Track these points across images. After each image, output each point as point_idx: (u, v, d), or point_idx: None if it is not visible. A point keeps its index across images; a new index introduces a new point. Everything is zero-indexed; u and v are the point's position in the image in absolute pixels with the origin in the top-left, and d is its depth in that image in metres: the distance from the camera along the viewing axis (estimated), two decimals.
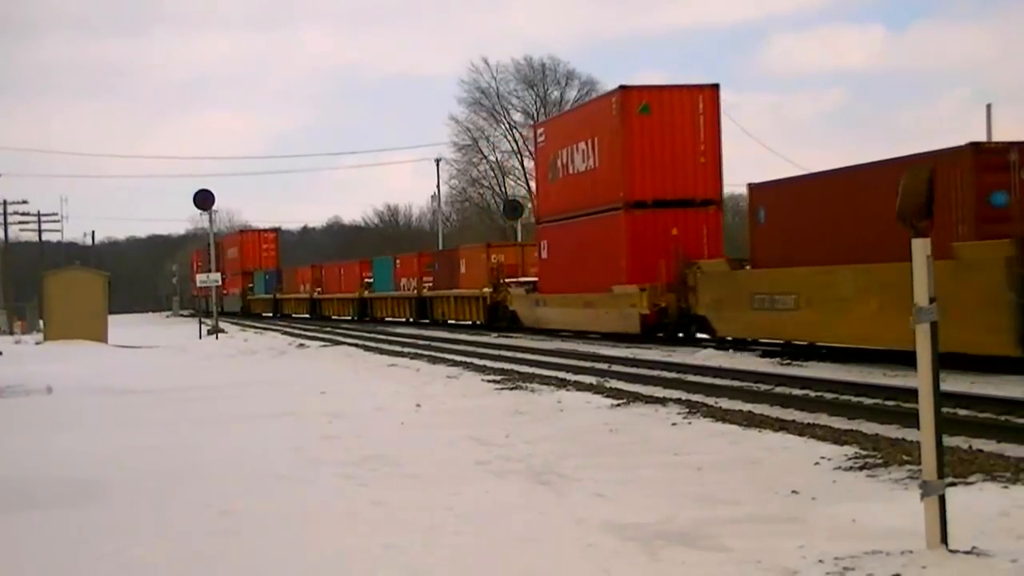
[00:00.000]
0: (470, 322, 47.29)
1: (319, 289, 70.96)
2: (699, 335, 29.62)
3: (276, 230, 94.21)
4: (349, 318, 64.51)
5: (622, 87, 33.35)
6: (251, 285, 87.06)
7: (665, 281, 30.43)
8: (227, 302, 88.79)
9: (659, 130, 32.63)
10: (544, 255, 39.31)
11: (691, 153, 32.79)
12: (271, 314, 79.86)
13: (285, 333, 51.30)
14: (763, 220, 25.72)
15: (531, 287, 40.73)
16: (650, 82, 42.97)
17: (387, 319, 59.48)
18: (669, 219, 32.30)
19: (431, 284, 53.03)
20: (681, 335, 30.62)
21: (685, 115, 32.78)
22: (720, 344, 27.48)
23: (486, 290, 44.65)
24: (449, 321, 50.87)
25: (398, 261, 58.51)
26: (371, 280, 62.03)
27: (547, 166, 38.98)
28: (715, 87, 33.23)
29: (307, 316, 73.25)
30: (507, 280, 43.75)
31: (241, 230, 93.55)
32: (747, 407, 15.22)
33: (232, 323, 68.57)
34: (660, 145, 32.62)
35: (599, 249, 34.11)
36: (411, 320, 55.49)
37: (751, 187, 26.65)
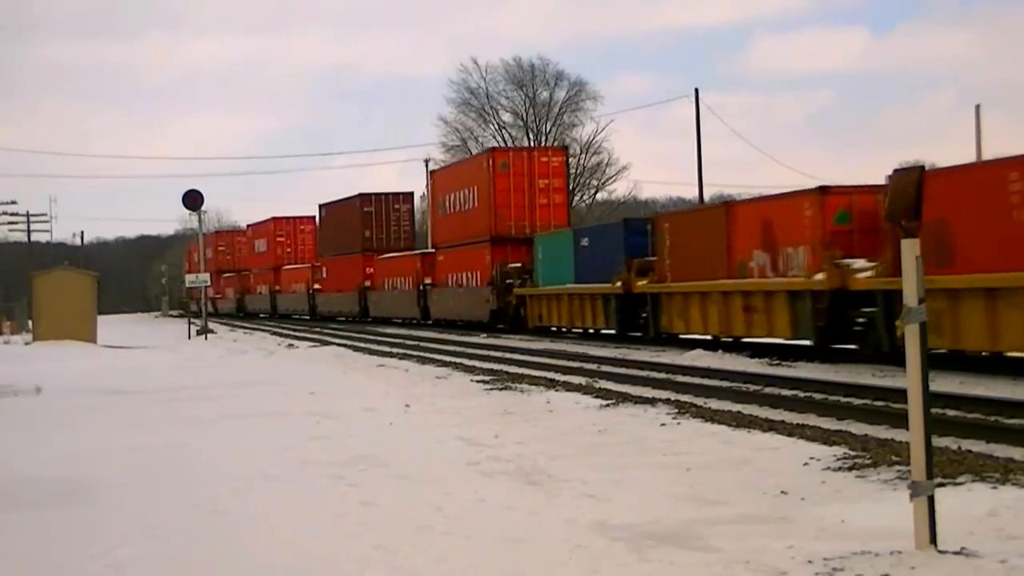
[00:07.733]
0: None
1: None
2: None
3: (565, 149, 50.96)
4: None
5: None
6: (522, 265, 42.03)
7: None
8: (439, 300, 50.23)
9: None
10: None
11: None
12: (617, 332, 33.13)
13: (274, 333, 51.22)
14: None
15: None
16: (636, 84, 39.01)
17: None
18: None
19: None
20: None
21: None
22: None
23: None
24: None
25: None
26: None
27: None
28: None
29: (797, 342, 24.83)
30: None
31: (492, 150, 49.19)
32: (736, 407, 15.23)
33: (221, 323, 68.36)
34: None
35: None
36: None
37: None
